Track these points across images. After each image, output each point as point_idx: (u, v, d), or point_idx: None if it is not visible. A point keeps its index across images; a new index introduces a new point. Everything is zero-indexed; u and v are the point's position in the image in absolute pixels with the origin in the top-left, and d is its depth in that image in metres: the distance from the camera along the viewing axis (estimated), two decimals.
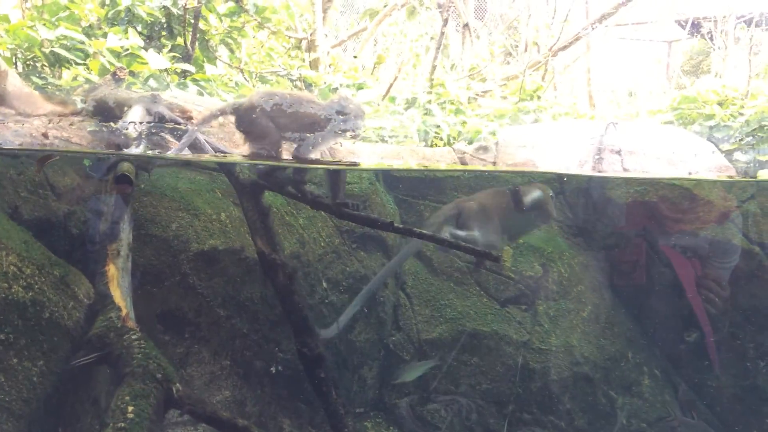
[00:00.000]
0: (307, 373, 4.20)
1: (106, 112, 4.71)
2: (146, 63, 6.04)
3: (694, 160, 6.27)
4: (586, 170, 6.16)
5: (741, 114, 7.20)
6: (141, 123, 4.57)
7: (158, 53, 6.28)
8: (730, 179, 5.81)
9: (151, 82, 6.04)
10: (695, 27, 10.37)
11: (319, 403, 4.20)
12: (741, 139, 6.96)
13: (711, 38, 9.53)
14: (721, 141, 7.10)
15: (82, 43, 5.90)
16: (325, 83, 7.42)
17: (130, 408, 2.69)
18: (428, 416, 5.15)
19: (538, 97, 8.31)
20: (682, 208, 5.39)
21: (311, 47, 7.91)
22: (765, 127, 6.98)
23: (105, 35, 6.14)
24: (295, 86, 7.37)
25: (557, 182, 5.91)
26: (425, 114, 7.25)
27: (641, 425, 5.26)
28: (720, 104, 7.52)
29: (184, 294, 4.63)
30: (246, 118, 4.09)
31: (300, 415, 5.04)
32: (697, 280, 5.13)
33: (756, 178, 5.86)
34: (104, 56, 5.91)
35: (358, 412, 5.30)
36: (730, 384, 5.40)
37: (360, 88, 7.58)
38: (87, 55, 5.99)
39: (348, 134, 4.20)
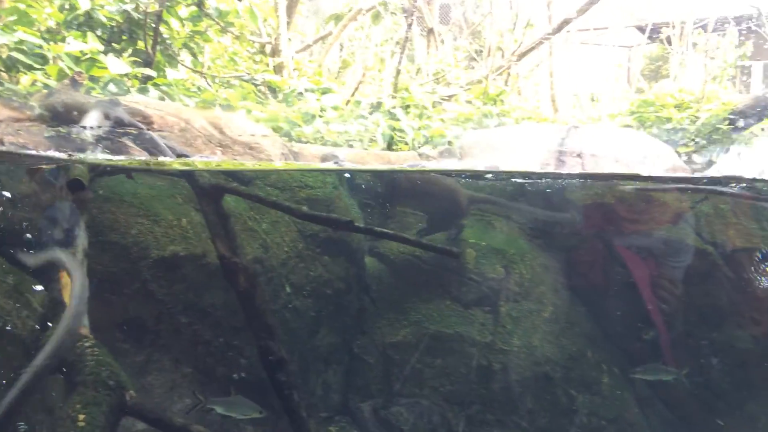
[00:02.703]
0: (269, 376, 4.20)
1: (64, 117, 4.65)
2: (106, 68, 5.97)
3: (652, 162, 6.41)
4: (548, 173, 6.26)
5: (697, 117, 7.38)
6: (99, 127, 4.53)
7: (118, 58, 6.21)
8: (687, 181, 5.95)
9: (111, 87, 5.98)
10: (654, 32, 10.59)
11: (281, 406, 4.19)
12: (697, 142, 7.14)
13: (669, 43, 9.74)
14: (678, 143, 7.27)
15: (41, 47, 5.82)
16: (289, 88, 7.42)
17: (81, 416, 2.67)
18: (392, 419, 5.17)
19: (502, 102, 8.41)
20: (639, 209, 5.50)
21: (275, 52, 7.90)
22: (720, 130, 7.17)
23: (64, 40, 6.06)
24: (259, 91, 7.36)
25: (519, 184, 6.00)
26: (390, 118, 7.29)
27: (601, 423, 5.35)
28: (677, 107, 7.70)
29: (144, 301, 4.59)
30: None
31: (263, 421, 5.01)
32: (652, 279, 5.25)
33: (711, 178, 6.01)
34: (63, 61, 5.83)
35: (323, 417, 5.30)
36: (684, 380, 5.52)
37: (325, 92, 7.59)
38: (45, 60, 5.90)
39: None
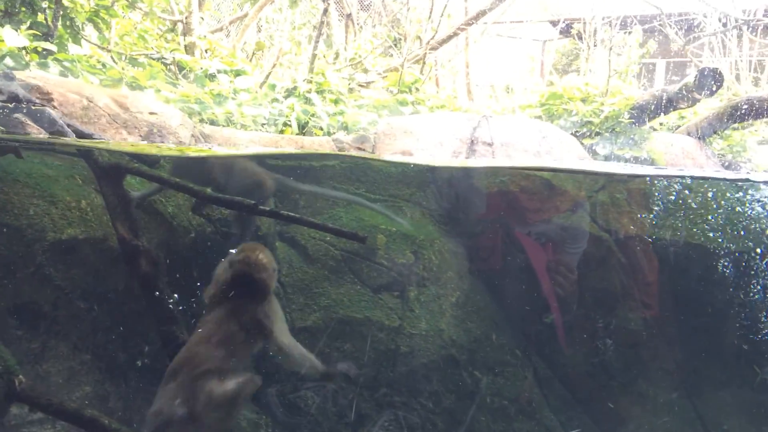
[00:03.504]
0: (171, 361, 4.11)
1: None
2: (2, 40, 5.66)
3: (558, 152, 6.67)
4: (461, 161, 6.41)
5: (601, 111, 7.73)
6: None
7: (16, 30, 5.90)
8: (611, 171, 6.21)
9: (8, 61, 5.67)
10: (566, 28, 10.95)
11: None
12: (600, 134, 7.48)
13: (580, 39, 10.11)
14: (583, 135, 7.59)
15: None
16: (201, 68, 7.25)
17: None
18: (300, 403, 5.19)
19: (417, 90, 8.52)
20: (541, 198, 5.72)
21: (187, 31, 7.69)
22: (622, 123, 7.54)
23: None
24: (170, 70, 7.15)
25: (429, 171, 6.10)
26: (305, 103, 7.25)
27: (503, 403, 5.55)
28: (583, 101, 8.03)
29: (39, 286, 4.39)
30: None
31: None
32: (548, 265, 5.48)
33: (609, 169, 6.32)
34: None
35: None
36: (581, 362, 5.81)
37: (238, 74, 7.47)
38: None
39: None
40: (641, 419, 5.64)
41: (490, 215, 5.81)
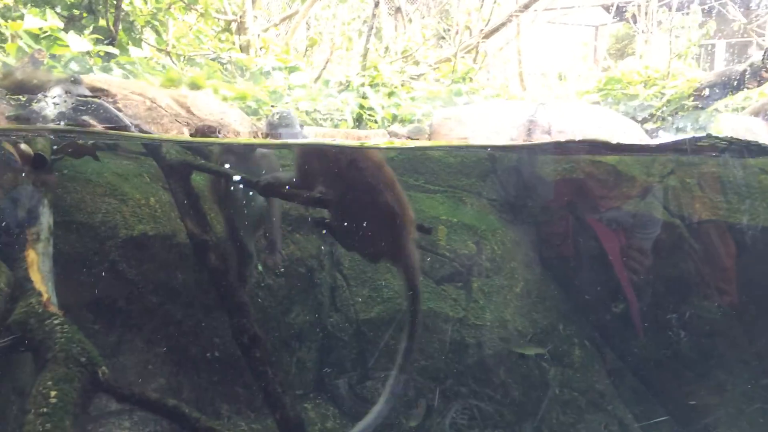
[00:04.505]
0: (243, 353, 4.16)
1: (24, 94, 4.53)
2: (67, 45, 5.81)
3: (619, 138, 6.49)
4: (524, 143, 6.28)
5: (662, 94, 7.49)
6: (60, 104, 4.41)
7: (79, 35, 6.05)
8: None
9: (73, 65, 5.83)
10: (620, 11, 10.68)
11: (256, 383, 4.16)
12: (663, 118, 7.24)
13: (635, 22, 9.83)
14: (645, 120, 7.37)
15: None
16: (256, 66, 7.31)
17: (53, 393, 2.61)
18: (368, 394, 5.19)
19: (470, 80, 8.42)
20: (608, 185, 5.57)
21: (241, 30, 7.77)
22: (685, 106, 7.29)
23: (22, 17, 5.87)
24: (226, 69, 7.24)
25: (489, 160, 6.02)
26: (359, 97, 7.24)
27: (573, 394, 5.44)
28: (644, 84, 7.80)
29: (114, 281, 4.52)
30: None
31: (238, 399, 5.00)
32: (622, 251, 5.33)
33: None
34: (22, 39, 5.66)
35: (298, 394, 5.28)
36: (653, 352, 5.64)
37: (292, 71, 7.51)
38: (4, 38, 5.72)
39: None
40: (720, 410, 5.44)
41: (558, 202, 5.68)
